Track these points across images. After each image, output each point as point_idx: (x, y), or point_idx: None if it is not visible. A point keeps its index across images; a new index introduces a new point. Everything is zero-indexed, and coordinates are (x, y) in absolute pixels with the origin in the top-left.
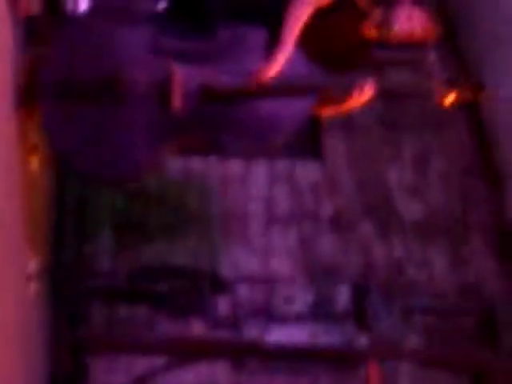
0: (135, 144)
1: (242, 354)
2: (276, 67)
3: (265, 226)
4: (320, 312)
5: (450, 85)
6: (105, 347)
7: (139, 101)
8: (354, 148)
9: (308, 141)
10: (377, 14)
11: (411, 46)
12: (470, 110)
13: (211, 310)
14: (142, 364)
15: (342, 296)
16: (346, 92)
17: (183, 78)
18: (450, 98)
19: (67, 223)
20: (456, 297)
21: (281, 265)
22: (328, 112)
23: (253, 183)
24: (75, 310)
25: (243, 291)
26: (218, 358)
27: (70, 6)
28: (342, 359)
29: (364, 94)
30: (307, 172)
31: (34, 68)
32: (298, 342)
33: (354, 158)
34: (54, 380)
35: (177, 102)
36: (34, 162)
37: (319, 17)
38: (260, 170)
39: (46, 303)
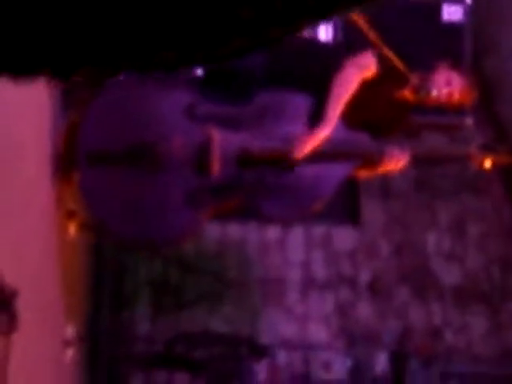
0: (173, 209)
1: None
2: (318, 140)
3: (302, 292)
4: (358, 378)
5: (487, 149)
6: None
7: (177, 166)
8: (391, 213)
9: (346, 206)
10: (415, 78)
11: (449, 110)
12: (506, 174)
13: (250, 376)
14: None
15: (380, 362)
16: (384, 157)
17: (221, 142)
18: (486, 163)
19: (105, 289)
20: (495, 362)
21: (318, 330)
22: (365, 174)
23: (290, 249)
24: (113, 376)
25: (282, 357)
26: None
27: None
28: None
29: (401, 159)
30: (344, 237)
31: (72, 134)
32: None
33: (392, 224)
34: None
35: (215, 166)
36: (72, 228)
37: (361, 84)
38: (297, 236)
39: (84, 369)
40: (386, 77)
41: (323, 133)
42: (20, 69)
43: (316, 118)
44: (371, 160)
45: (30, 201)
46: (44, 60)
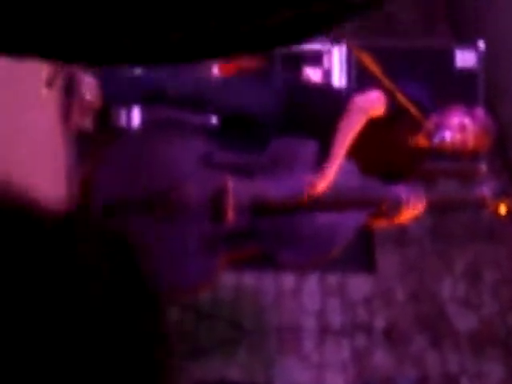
0: (189, 258)
1: None
2: (326, 180)
3: (318, 340)
4: None
5: (501, 196)
6: None
7: (193, 214)
8: (406, 260)
9: (361, 253)
10: (429, 124)
11: (463, 157)
12: None
13: None
14: None
15: None
16: (399, 205)
17: (236, 190)
18: (501, 209)
19: None
20: None
21: (335, 379)
22: (381, 224)
23: (306, 297)
24: None
25: None
26: None
27: (122, 121)
28: None
29: (417, 206)
30: (359, 285)
31: (87, 185)
32: None
33: (407, 271)
34: None
35: (230, 214)
36: None
37: (372, 127)
38: (313, 284)
39: None
40: (397, 117)
41: (329, 170)
42: (22, 47)
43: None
44: (386, 207)
45: None
46: (46, 38)
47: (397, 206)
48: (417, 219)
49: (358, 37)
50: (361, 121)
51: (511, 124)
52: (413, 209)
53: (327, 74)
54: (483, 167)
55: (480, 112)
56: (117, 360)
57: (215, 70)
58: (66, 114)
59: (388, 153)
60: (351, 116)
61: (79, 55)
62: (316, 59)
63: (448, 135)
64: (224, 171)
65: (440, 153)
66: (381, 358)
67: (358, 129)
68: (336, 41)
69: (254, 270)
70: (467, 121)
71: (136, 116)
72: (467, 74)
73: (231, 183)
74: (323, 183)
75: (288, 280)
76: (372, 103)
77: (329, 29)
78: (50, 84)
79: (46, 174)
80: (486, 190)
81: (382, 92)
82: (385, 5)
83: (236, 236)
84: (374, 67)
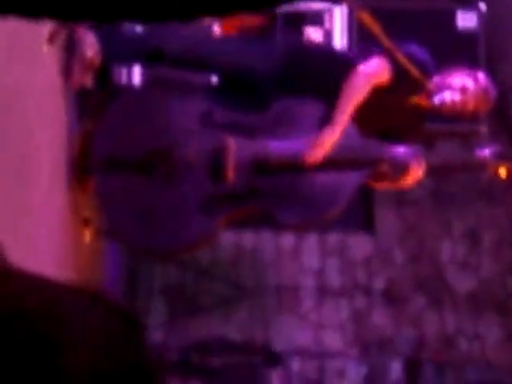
0: (188, 216)
1: None
2: (327, 146)
3: (317, 300)
4: None
5: (501, 158)
6: None
7: (192, 173)
8: (405, 221)
9: (360, 214)
10: (430, 85)
11: (463, 118)
12: None
13: None
14: None
15: (395, 370)
16: (400, 165)
17: (236, 150)
18: (501, 171)
19: (119, 296)
20: (509, 370)
21: (333, 338)
22: (381, 185)
23: (305, 256)
24: None
25: (296, 365)
26: None
27: (123, 79)
28: None
29: (417, 169)
30: (359, 245)
31: (87, 142)
32: None
33: (406, 232)
34: None
35: (230, 174)
36: (87, 235)
37: (375, 92)
38: (312, 243)
39: None
40: (400, 83)
41: (330, 136)
42: (31, 9)
43: (328, 123)
44: (386, 169)
45: (45, 208)
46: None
47: (399, 168)
48: (416, 182)
49: None
50: (365, 89)
51: (511, 84)
52: (415, 171)
53: (328, 34)
54: (483, 129)
55: (481, 75)
56: None
57: (216, 29)
58: (66, 71)
59: (388, 113)
60: (355, 85)
61: (85, 12)
62: (317, 19)
63: (448, 96)
64: (224, 130)
65: (440, 114)
66: (379, 319)
67: (361, 97)
68: (337, 0)
69: (253, 230)
70: (468, 83)
71: (136, 74)
72: (468, 35)
73: (231, 142)
74: (324, 148)
75: (287, 239)
76: (376, 72)
77: None
78: (51, 41)
79: (46, 129)
80: (486, 152)
81: (385, 58)
82: None
83: (236, 195)
84: (374, 27)
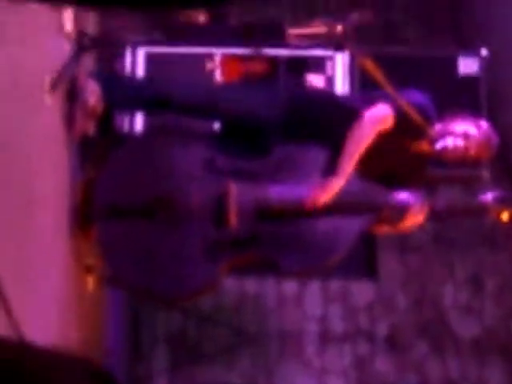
0: (192, 262)
1: None
2: (330, 194)
3: (320, 346)
4: None
5: (504, 203)
6: None
7: (195, 219)
8: (408, 267)
9: (362, 260)
10: (432, 130)
11: (465, 163)
12: None
13: None
14: None
15: None
16: (402, 211)
17: (239, 195)
18: (503, 216)
19: (122, 342)
20: None
21: None
22: (384, 231)
23: (308, 303)
24: None
25: None
26: None
27: (125, 126)
28: None
29: (420, 213)
30: (362, 291)
31: (89, 189)
32: None
33: (409, 277)
34: None
35: (233, 219)
36: (90, 283)
37: (377, 137)
38: (315, 290)
39: None
40: (403, 129)
41: (336, 186)
42: None
43: (331, 170)
44: (389, 214)
45: (49, 255)
46: None
47: (400, 211)
48: (419, 226)
49: (360, 44)
50: (371, 137)
51: None
52: (416, 215)
53: (330, 80)
54: (485, 174)
55: (483, 122)
56: None
57: (219, 75)
58: (68, 119)
59: (390, 159)
60: (361, 133)
61: None
62: (319, 65)
63: (451, 142)
64: (227, 176)
65: (442, 160)
66: (382, 365)
67: (366, 145)
68: (339, 47)
69: (255, 276)
70: (471, 129)
71: (139, 121)
72: (470, 81)
73: (234, 188)
74: (327, 196)
75: (290, 286)
76: (381, 120)
77: None
78: (53, 88)
79: (49, 178)
80: (488, 197)
81: (389, 104)
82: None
83: (238, 241)
84: (377, 74)
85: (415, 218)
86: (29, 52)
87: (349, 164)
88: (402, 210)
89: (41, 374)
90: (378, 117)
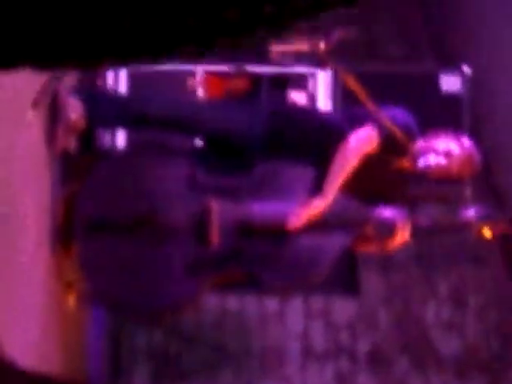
0: (173, 279)
1: None
2: (314, 214)
3: (301, 363)
4: None
5: (486, 220)
6: None
7: (177, 236)
8: (390, 284)
9: (344, 277)
10: (414, 148)
11: (447, 180)
12: (504, 243)
13: None
14: None
15: None
16: (390, 228)
17: (220, 213)
18: (485, 233)
19: (103, 359)
20: None
21: None
22: (366, 248)
23: (289, 320)
24: None
25: None
26: None
27: (106, 142)
28: None
29: (402, 231)
30: (343, 308)
31: (70, 206)
32: None
33: (391, 294)
34: None
35: (214, 237)
36: (71, 299)
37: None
38: (296, 307)
39: None
40: (385, 146)
41: (318, 206)
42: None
43: (315, 188)
44: (371, 231)
45: (30, 272)
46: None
47: (387, 228)
48: (401, 244)
49: (342, 62)
50: (356, 160)
51: (495, 148)
52: (398, 231)
53: (312, 97)
54: (467, 191)
55: (466, 139)
56: None
57: (201, 93)
58: (50, 135)
59: (372, 176)
60: (346, 157)
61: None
62: (301, 82)
63: (433, 160)
64: (208, 194)
65: (424, 177)
66: (364, 382)
67: (352, 168)
68: (322, 64)
69: (237, 293)
70: (453, 146)
71: (120, 138)
72: (452, 99)
73: (215, 206)
74: (310, 216)
75: (271, 303)
76: (366, 143)
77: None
78: (35, 105)
79: (30, 194)
80: (470, 213)
81: (373, 126)
82: (368, 28)
83: (220, 258)
84: (359, 91)
85: (399, 236)
86: None
87: (333, 186)
88: (387, 228)
89: None
90: (363, 140)
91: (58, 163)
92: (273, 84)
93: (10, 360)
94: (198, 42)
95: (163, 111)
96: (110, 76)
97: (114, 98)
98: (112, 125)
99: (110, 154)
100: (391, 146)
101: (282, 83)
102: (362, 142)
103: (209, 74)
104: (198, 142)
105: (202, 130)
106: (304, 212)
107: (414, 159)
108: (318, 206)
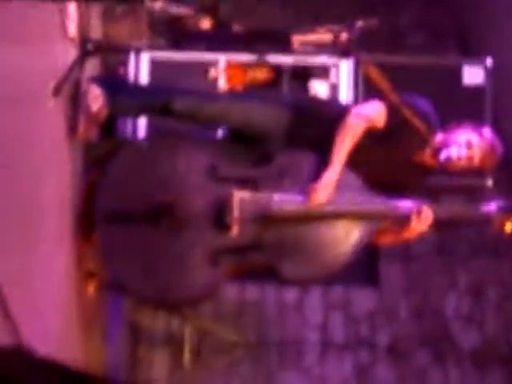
0: (193, 268)
1: None
2: (327, 186)
3: (320, 354)
4: None
5: (507, 212)
6: None
7: (198, 226)
8: (410, 276)
9: (364, 268)
10: (436, 139)
11: (469, 172)
12: None
13: None
14: None
15: None
16: (406, 219)
17: (241, 203)
18: (506, 226)
19: (122, 348)
20: None
21: None
22: (387, 239)
23: (308, 310)
24: None
25: None
26: None
27: (128, 132)
28: None
29: (424, 222)
30: (363, 299)
31: (92, 194)
32: None
33: (411, 286)
34: None
35: (234, 226)
36: (91, 288)
37: (377, 141)
38: (316, 297)
39: None
40: (406, 138)
41: (331, 177)
42: None
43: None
44: (393, 222)
45: (51, 259)
46: None
47: (403, 219)
48: (422, 235)
49: (364, 52)
50: (358, 128)
51: None
52: (420, 223)
53: (334, 87)
54: (489, 183)
55: (487, 130)
56: None
57: (222, 82)
58: (71, 123)
59: (393, 168)
60: (348, 124)
61: None
62: (323, 73)
63: (454, 152)
64: (229, 184)
65: (446, 169)
66: (383, 374)
67: (355, 136)
68: (344, 54)
69: (256, 283)
70: (474, 139)
71: (142, 127)
72: (475, 91)
73: (236, 196)
74: (326, 190)
75: (291, 293)
76: (370, 112)
77: None
78: (56, 93)
79: (51, 183)
80: (491, 207)
81: (384, 104)
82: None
83: (240, 248)
84: (381, 82)
85: (419, 227)
86: (32, 57)
87: (338, 154)
88: (407, 220)
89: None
90: (367, 110)
91: (80, 152)
92: (294, 74)
93: (31, 349)
94: None
95: (185, 102)
96: (131, 64)
97: (135, 87)
98: (133, 113)
99: (132, 142)
100: (412, 137)
101: (304, 73)
102: (366, 110)
103: (231, 63)
104: (219, 132)
105: (223, 120)
106: (319, 186)
107: (436, 151)
108: (330, 177)
